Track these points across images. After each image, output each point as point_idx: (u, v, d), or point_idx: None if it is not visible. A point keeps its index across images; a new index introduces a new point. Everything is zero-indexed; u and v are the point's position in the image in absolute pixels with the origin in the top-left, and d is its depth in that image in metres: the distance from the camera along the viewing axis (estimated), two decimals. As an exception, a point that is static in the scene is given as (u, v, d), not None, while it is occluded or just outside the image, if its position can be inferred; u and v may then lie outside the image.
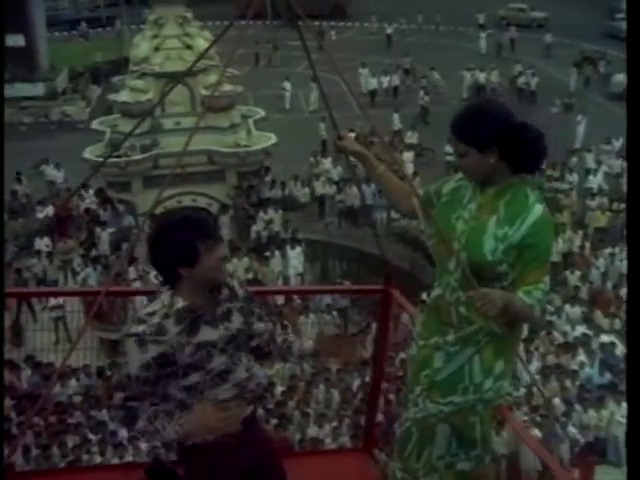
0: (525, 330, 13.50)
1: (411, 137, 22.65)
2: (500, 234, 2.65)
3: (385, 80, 28.03)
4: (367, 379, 9.08)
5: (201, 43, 16.62)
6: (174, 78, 16.65)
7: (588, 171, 19.54)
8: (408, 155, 20.72)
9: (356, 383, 11.48)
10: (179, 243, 2.63)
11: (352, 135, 16.49)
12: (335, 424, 10.48)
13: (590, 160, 20.33)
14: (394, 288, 3.79)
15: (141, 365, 2.55)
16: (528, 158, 2.68)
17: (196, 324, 2.62)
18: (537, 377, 12.14)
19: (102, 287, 6.91)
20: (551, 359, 12.77)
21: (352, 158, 3.13)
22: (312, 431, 10.34)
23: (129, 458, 9.38)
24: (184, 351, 2.58)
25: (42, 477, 4.35)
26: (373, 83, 27.49)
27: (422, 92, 26.09)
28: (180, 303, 2.63)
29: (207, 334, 2.63)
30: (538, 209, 2.66)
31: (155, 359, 2.54)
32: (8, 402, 10.96)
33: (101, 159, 16.79)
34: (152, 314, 2.59)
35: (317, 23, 33.60)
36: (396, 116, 23.60)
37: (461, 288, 2.72)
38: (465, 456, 2.89)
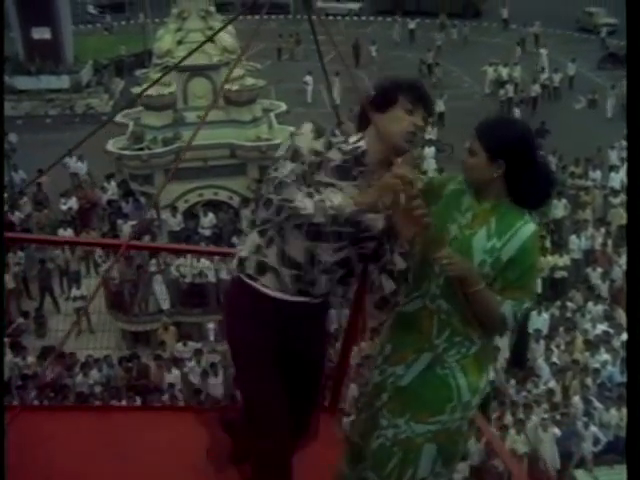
0: (546, 328, 13.46)
1: (430, 133, 22.56)
2: (488, 246, 2.62)
3: None
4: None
5: (224, 37, 16.67)
6: (197, 71, 16.76)
7: (611, 168, 19.36)
8: (429, 151, 20.66)
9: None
10: (384, 87, 2.64)
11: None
12: (353, 418, 10.51)
13: (613, 157, 20.13)
14: None
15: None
16: (530, 192, 2.66)
17: (348, 172, 2.60)
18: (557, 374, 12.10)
19: (123, 240, 6.97)
20: (571, 357, 12.70)
21: None
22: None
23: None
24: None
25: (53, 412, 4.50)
26: None
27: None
28: (363, 146, 2.60)
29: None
30: (529, 228, 2.64)
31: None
32: (32, 391, 11.12)
33: (124, 152, 16.94)
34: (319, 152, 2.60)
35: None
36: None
37: (442, 296, 2.68)
38: (446, 472, 2.86)
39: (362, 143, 2.63)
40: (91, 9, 37.01)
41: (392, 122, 2.58)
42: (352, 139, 2.66)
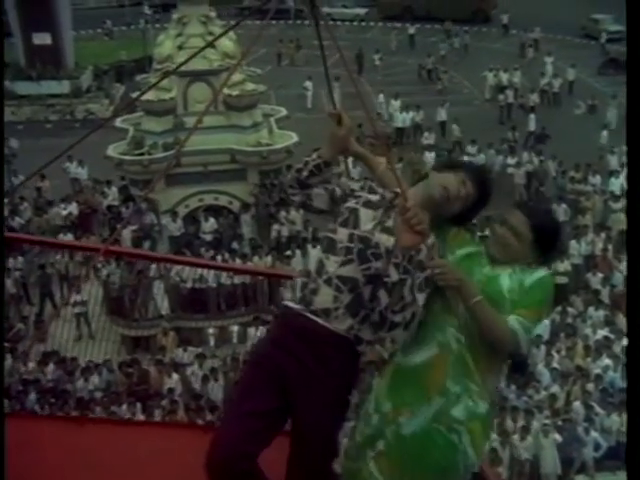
0: (547, 333, 13.43)
1: (428, 138, 22.62)
2: (515, 278, 2.71)
3: (418, 116, 23.98)
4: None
5: (225, 42, 16.68)
6: (197, 76, 16.77)
7: (611, 173, 19.35)
8: (430, 155, 20.69)
9: (375, 382, 11.44)
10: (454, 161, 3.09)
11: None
12: (353, 423, 10.47)
13: (614, 162, 20.13)
14: None
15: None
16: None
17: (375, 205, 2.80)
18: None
19: (101, 245, 6.99)
20: (573, 362, 12.68)
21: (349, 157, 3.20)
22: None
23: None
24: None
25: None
26: (406, 119, 24.01)
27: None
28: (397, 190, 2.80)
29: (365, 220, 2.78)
30: (546, 271, 2.78)
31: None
32: (33, 396, 11.10)
33: (124, 157, 16.96)
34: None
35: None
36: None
37: (462, 331, 2.68)
38: None
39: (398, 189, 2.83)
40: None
41: (438, 177, 2.77)
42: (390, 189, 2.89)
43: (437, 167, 2.83)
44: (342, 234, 2.75)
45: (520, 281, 2.70)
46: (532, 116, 23.73)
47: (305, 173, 2.89)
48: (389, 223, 2.74)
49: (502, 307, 2.66)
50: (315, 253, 2.82)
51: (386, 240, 2.71)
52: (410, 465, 2.70)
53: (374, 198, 2.84)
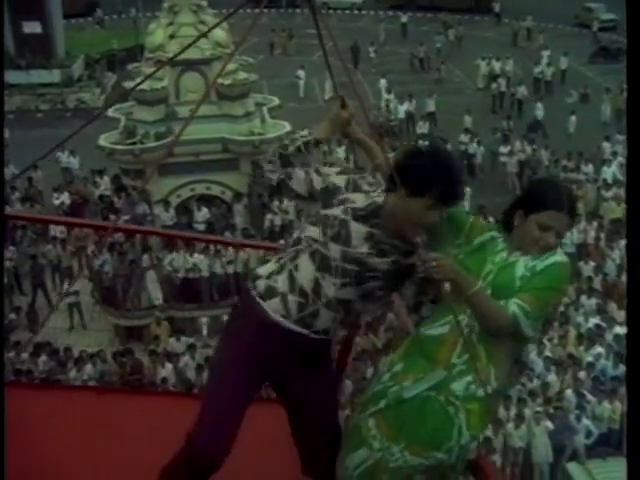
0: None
1: (422, 127, 22.59)
2: (529, 265, 2.70)
3: (411, 105, 23.80)
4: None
5: (217, 31, 16.58)
6: (189, 65, 16.69)
7: (603, 162, 19.39)
8: (423, 144, 20.68)
9: (370, 372, 11.50)
10: (418, 173, 2.55)
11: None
12: (348, 412, 10.51)
13: (606, 150, 20.16)
14: None
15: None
16: None
17: (364, 218, 2.66)
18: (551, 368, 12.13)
19: (110, 223, 7.01)
20: (565, 350, 12.74)
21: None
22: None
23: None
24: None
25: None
26: (400, 109, 23.81)
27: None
28: (380, 202, 2.67)
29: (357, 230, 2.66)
30: (564, 256, 2.75)
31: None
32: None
33: (116, 146, 16.89)
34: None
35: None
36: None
37: (474, 318, 2.70)
38: None
39: (381, 199, 2.69)
40: None
41: (409, 209, 2.58)
42: (378, 191, 2.71)
43: (408, 191, 2.58)
44: (334, 251, 2.65)
45: (533, 267, 2.69)
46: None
47: (292, 148, 2.75)
48: (384, 246, 2.68)
49: (511, 295, 2.65)
50: (306, 269, 2.68)
51: (383, 263, 2.68)
52: (405, 429, 2.74)
53: (361, 203, 2.69)
